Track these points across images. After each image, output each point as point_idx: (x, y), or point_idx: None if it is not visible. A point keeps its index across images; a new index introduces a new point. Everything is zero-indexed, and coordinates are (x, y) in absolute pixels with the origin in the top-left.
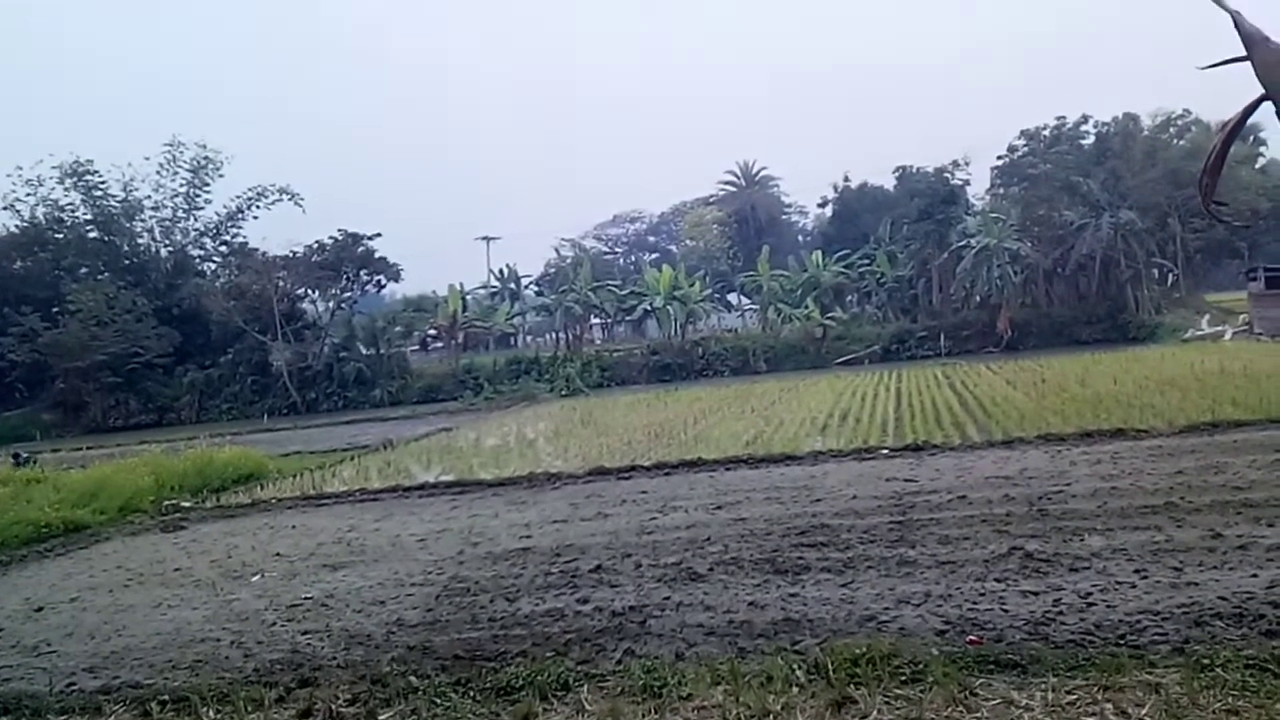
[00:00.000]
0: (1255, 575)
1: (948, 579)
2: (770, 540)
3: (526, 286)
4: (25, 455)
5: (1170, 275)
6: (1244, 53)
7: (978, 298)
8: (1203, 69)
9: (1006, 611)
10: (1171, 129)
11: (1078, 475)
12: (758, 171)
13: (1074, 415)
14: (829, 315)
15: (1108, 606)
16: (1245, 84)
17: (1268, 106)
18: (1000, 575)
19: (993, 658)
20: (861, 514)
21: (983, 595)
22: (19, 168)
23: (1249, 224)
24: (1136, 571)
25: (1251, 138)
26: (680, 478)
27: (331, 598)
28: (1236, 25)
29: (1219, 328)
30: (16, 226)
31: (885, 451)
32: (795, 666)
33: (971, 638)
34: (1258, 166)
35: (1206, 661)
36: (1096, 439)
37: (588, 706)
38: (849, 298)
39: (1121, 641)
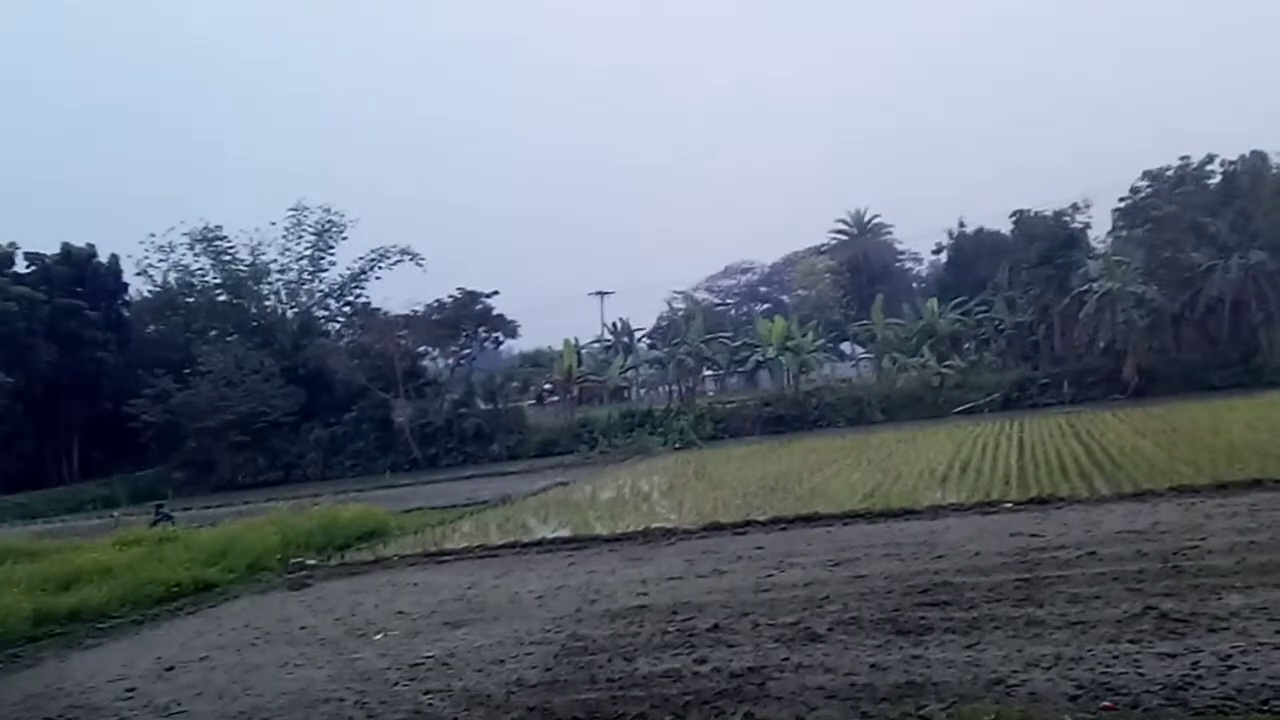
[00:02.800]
0: None
1: (1079, 640)
2: (891, 599)
3: (639, 340)
4: (166, 511)
5: None
6: None
7: (1101, 344)
8: None
9: (1142, 675)
10: None
11: (1213, 529)
12: (870, 219)
13: (1208, 465)
14: (946, 364)
15: (1249, 669)
16: None
17: None
18: (1134, 636)
19: None
20: (985, 571)
21: (1116, 658)
22: (152, 235)
23: None
24: (1279, 632)
25: None
26: (796, 533)
27: (452, 656)
28: None
29: None
30: (150, 291)
31: (1009, 505)
32: None
33: (1106, 704)
34: None
35: None
36: (1232, 490)
37: None
38: (966, 345)
39: (1265, 707)
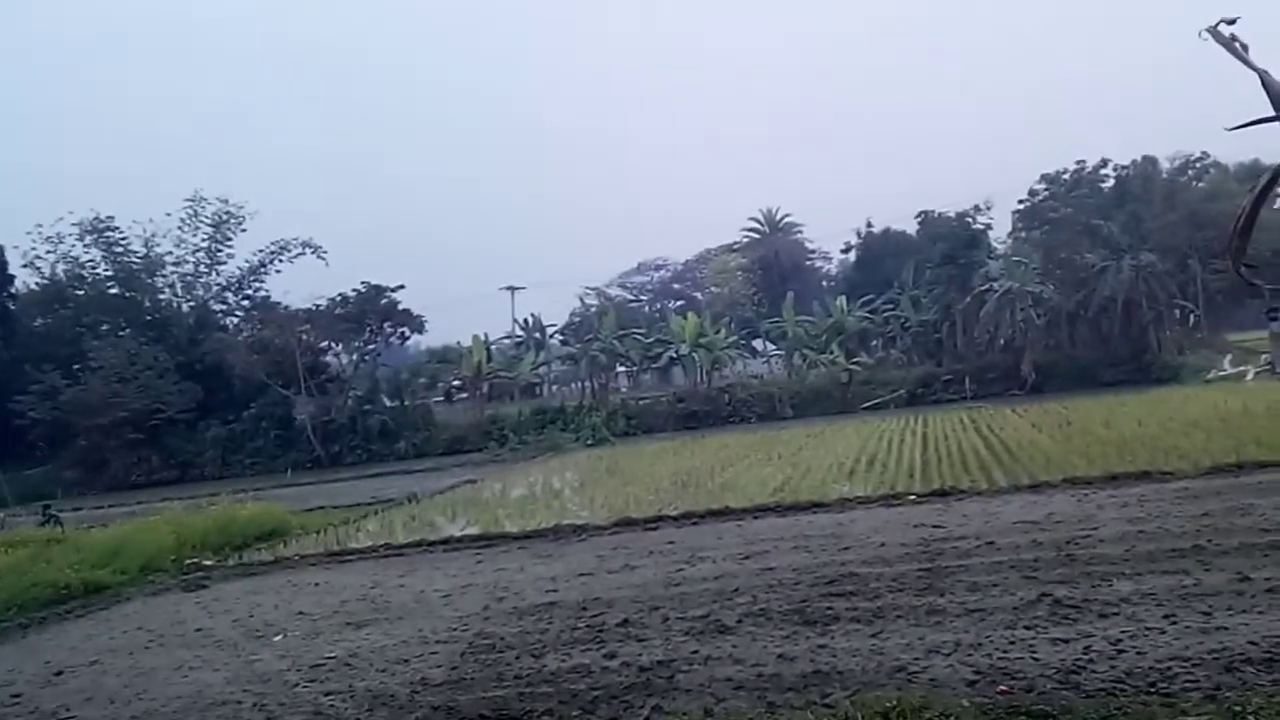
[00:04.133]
0: None
1: (977, 627)
2: (799, 590)
3: (551, 336)
4: (53, 512)
5: (1192, 316)
6: (1274, 112)
7: (1001, 341)
8: (1231, 130)
9: (1037, 660)
10: (1190, 171)
11: (1105, 519)
12: (781, 218)
13: (1099, 458)
14: (854, 360)
15: (1138, 653)
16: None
17: None
18: (1030, 623)
19: (1024, 708)
20: (890, 561)
21: (1012, 644)
22: (39, 225)
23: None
24: (1166, 617)
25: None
26: (707, 527)
27: (355, 657)
28: (1265, 85)
29: (1241, 368)
30: (37, 284)
31: (913, 497)
32: None
33: (1002, 688)
34: (1276, 207)
35: (1239, 709)
36: (1122, 482)
37: None
38: (874, 342)
39: (1153, 689)
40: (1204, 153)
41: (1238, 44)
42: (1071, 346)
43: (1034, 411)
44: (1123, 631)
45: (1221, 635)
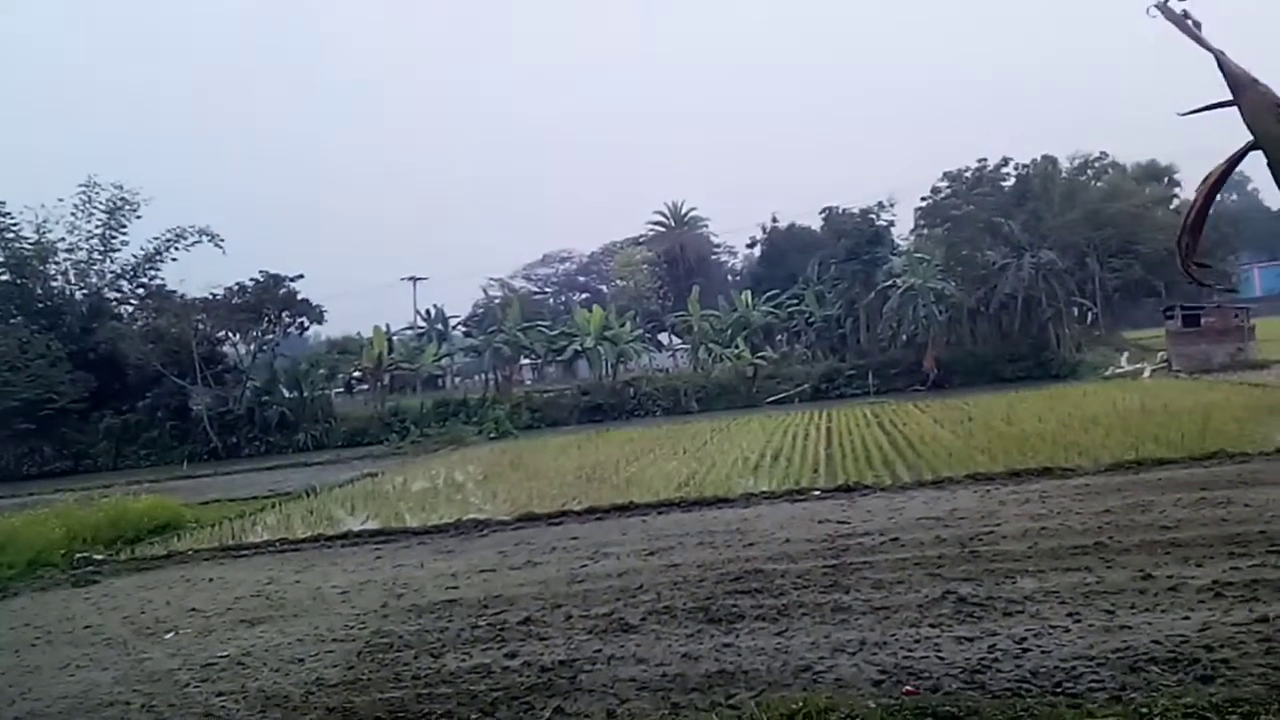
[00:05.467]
0: (1187, 617)
1: (882, 625)
2: (703, 587)
3: (454, 328)
4: None
5: (1090, 314)
6: (1229, 96)
7: (904, 337)
8: (1184, 114)
9: (942, 659)
10: (1090, 171)
11: (1007, 515)
12: (687, 212)
13: (1001, 454)
14: (759, 355)
15: (1043, 652)
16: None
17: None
18: (935, 621)
19: (930, 709)
20: (795, 558)
21: (918, 642)
22: None
23: (1234, 288)
24: (1070, 615)
25: (1166, 179)
26: (612, 523)
27: (248, 656)
28: (1221, 67)
29: (1138, 365)
30: None
31: (817, 493)
32: None
33: (908, 688)
34: (1172, 207)
35: (1145, 710)
36: (1024, 478)
37: None
38: (779, 337)
39: (1059, 690)
40: (1102, 152)
41: (1190, 21)
42: (973, 342)
43: (936, 407)
44: (1027, 630)
45: (1125, 634)
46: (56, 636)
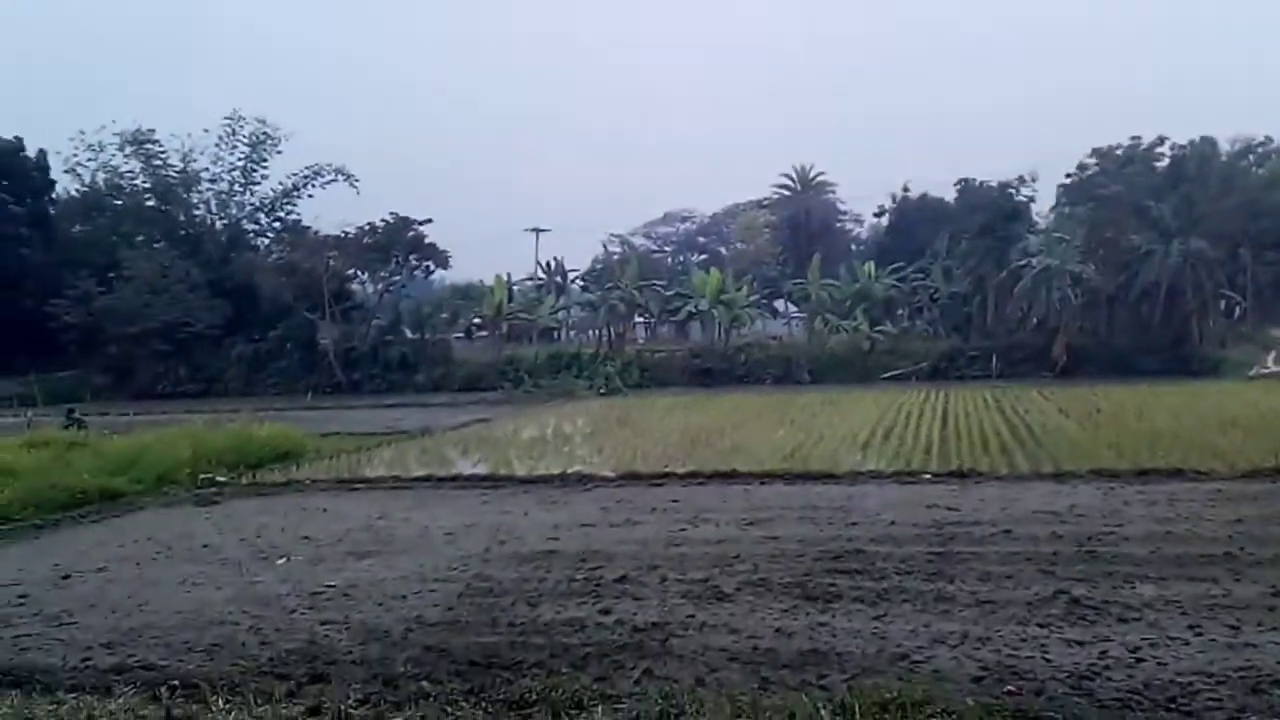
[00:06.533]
0: None
1: (987, 620)
2: (802, 563)
3: (573, 281)
4: (78, 415)
5: (1238, 308)
6: None
7: (1035, 320)
8: None
9: (1049, 661)
10: (1251, 156)
11: (1132, 516)
12: (814, 176)
13: (1130, 451)
14: (878, 328)
15: (1158, 664)
16: None
17: None
18: (1044, 620)
19: (1032, 713)
20: (899, 541)
21: (1024, 641)
22: (81, 132)
23: None
24: (1190, 627)
25: None
26: (713, 489)
27: (354, 588)
28: None
29: None
30: (77, 191)
31: (928, 476)
32: (820, 705)
33: (1010, 688)
34: None
35: None
36: (1153, 478)
37: None
38: (900, 311)
39: (1172, 705)
40: (1268, 137)
41: None
42: (1108, 331)
43: (1063, 396)
44: (1143, 638)
45: (1249, 652)
46: (177, 552)
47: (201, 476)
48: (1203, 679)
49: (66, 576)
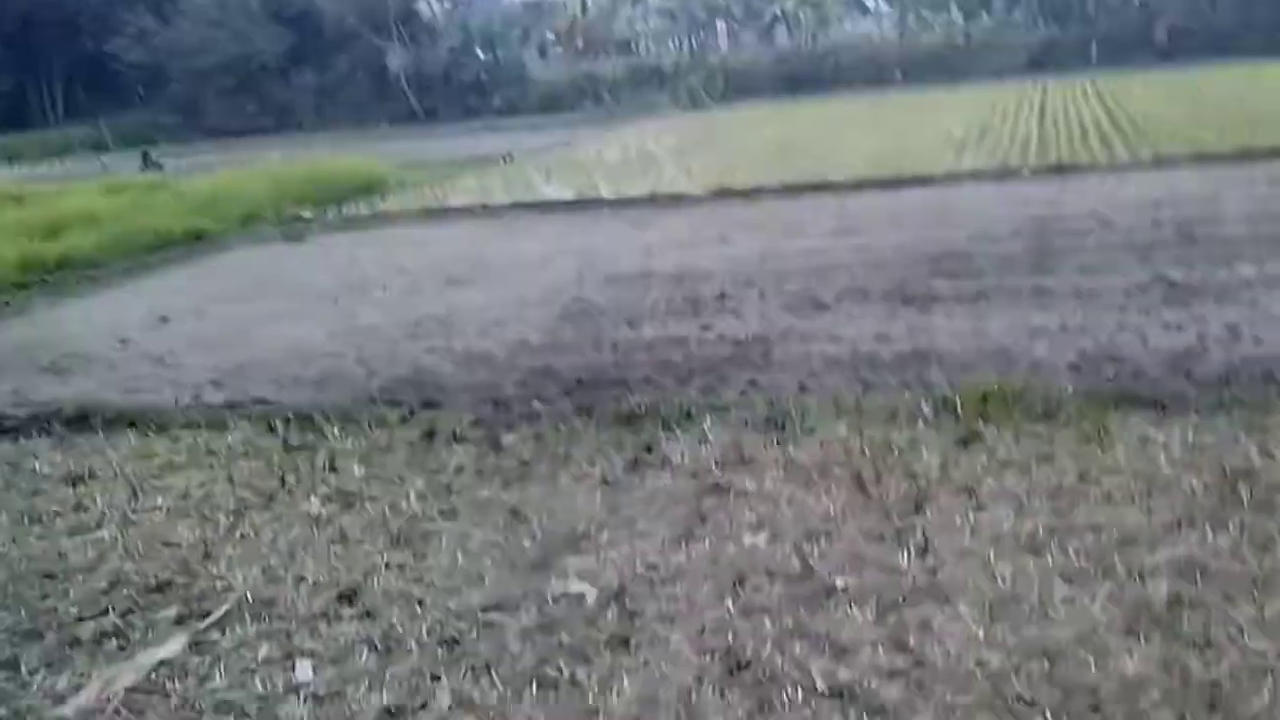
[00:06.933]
0: None
1: (1085, 310)
2: (898, 268)
3: None
4: (154, 158)
5: None
6: None
7: (1136, 3)
8: None
9: (1146, 345)
10: None
11: (1231, 198)
12: None
13: (1231, 131)
14: (973, 21)
15: (1256, 341)
16: None
17: None
18: (1142, 307)
19: (1131, 394)
20: (996, 240)
21: (1122, 328)
22: None
23: None
24: None
25: None
26: (806, 200)
27: (453, 316)
28: None
29: None
30: None
31: (1026, 172)
32: (922, 401)
33: (1108, 375)
34: None
35: None
36: (1255, 158)
37: (710, 437)
38: (996, 2)
39: (1271, 379)
40: None
41: None
42: (1211, 10)
43: (1163, 80)
44: (1241, 317)
45: None
46: (272, 289)
47: (287, 213)
48: None
49: (165, 319)
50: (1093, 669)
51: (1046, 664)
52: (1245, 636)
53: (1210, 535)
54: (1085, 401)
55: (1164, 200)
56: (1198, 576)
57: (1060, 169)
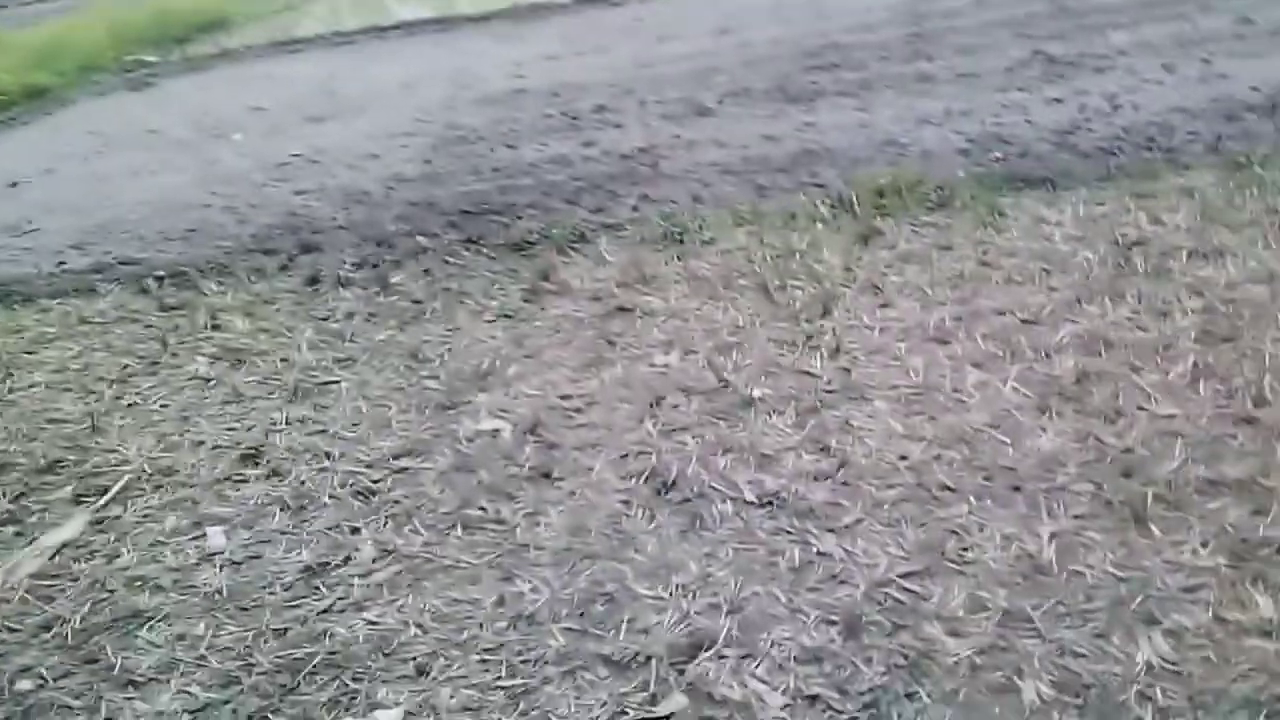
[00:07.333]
0: None
1: (968, 93)
2: (779, 65)
3: None
4: None
5: None
6: None
7: None
8: None
9: (1031, 123)
10: None
11: None
12: None
13: None
14: None
15: (1135, 108)
16: None
17: None
18: (1023, 84)
19: (1021, 174)
20: (873, 28)
21: (1005, 107)
22: None
23: None
24: (1163, 67)
25: None
26: (678, 1)
27: (321, 153)
28: None
29: None
30: None
31: None
32: (818, 201)
33: (996, 155)
34: None
35: (1242, 160)
36: None
37: (608, 258)
38: None
39: (1152, 144)
40: None
41: None
42: None
43: None
44: (1120, 85)
45: (1221, 84)
46: (122, 142)
47: (128, 59)
48: (1179, 114)
49: (13, 184)
50: (1010, 450)
51: (966, 450)
52: (1153, 402)
53: (1110, 307)
54: (978, 186)
55: None
56: (1102, 349)
57: None
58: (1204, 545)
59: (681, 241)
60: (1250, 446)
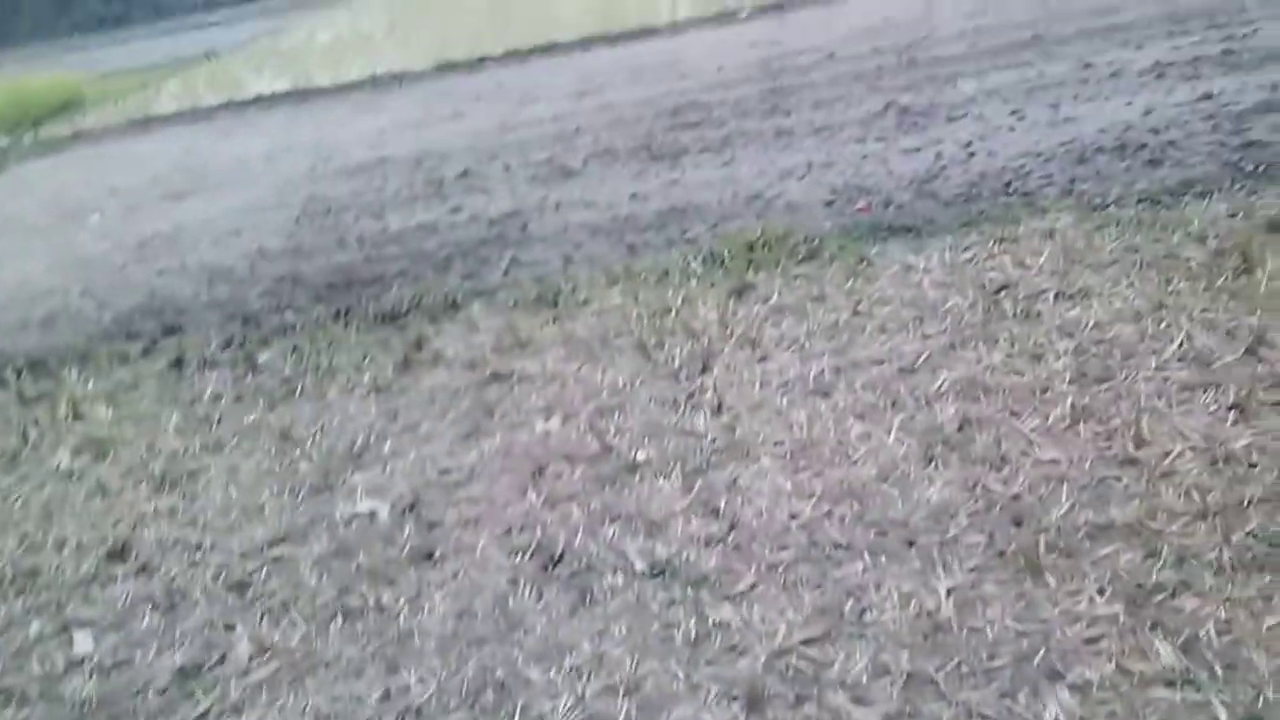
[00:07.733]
0: (1130, 103)
1: (827, 145)
2: (641, 125)
3: None
4: None
5: None
6: None
7: None
8: None
9: (891, 173)
10: None
11: (943, 18)
12: None
13: None
14: None
15: (989, 155)
16: None
17: None
18: (879, 134)
19: (885, 224)
20: (730, 85)
21: (864, 158)
22: None
23: None
24: (1013, 113)
25: None
26: (536, 64)
27: (182, 231)
28: None
29: None
30: None
31: (744, 13)
32: (690, 258)
33: (860, 205)
34: None
35: (1098, 201)
36: None
37: (481, 324)
38: None
39: (1009, 189)
40: None
41: None
42: None
43: None
44: (972, 133)
45: (1070, 127)
46: None
47: None
48: (1032, 159)
49: None
50: (900, 503)
51: (856, 504)
52: (1035, 448)
53: (985, 352)
54: (845, 236)
55: (881, 27)
56: (980, 395)
57: (779, 6)
58: (1100, 593)
59: (555, 304)
60: (1135, 488)
